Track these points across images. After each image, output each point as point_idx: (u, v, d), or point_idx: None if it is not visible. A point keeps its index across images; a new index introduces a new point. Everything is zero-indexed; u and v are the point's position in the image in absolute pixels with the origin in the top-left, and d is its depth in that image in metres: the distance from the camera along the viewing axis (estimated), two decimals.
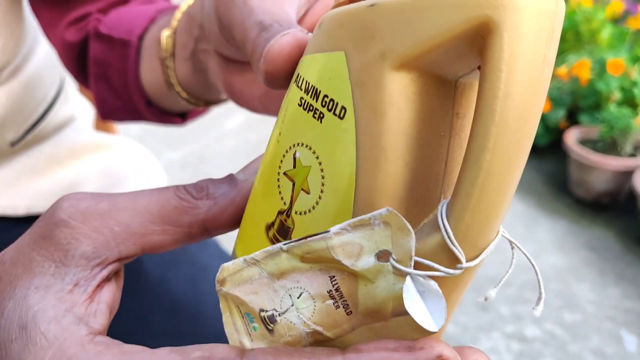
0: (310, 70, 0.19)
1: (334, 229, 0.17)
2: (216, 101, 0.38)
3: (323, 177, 0.19)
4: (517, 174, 0.17)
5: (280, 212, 0.20)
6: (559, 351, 1.10)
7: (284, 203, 0.20)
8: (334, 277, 0.18)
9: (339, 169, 0.18)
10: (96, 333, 0.20)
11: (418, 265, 0.17)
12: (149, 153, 0.55)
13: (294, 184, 0.19)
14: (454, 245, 0.17)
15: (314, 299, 0.18)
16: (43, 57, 0.49)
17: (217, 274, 0.20)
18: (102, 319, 0.21)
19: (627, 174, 1.40)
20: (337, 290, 0.18)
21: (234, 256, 0.23)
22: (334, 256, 0.17)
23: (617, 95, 1.53)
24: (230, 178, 0.22)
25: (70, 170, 0.49)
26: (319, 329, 0.18)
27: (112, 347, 0.19)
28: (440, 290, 0.18)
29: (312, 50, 0.19)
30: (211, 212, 0.21)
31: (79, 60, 0.43)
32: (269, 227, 0.21)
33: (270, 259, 0.19)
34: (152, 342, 0.43)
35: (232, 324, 0.21)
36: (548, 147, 1.68)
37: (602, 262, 1.32)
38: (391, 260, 0.17)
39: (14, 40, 0.43)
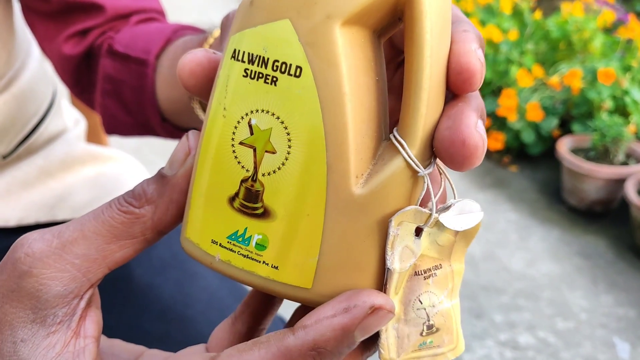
0: (251, 42, 0.21)
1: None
2: None
3: (289, 134, 0.20)
4: (445, 82, 0.21)
5: (243, 180, 0.21)
6: (552, 358, 1.11)
7: (247, 170, 0.21)
8: None
9: (304, 121, 0.20)
10: None
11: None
12: (140, 164, 0.56)
13: (254, 149, 0.21)
14: (412, 160, 0.20)
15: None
16: (36, 70, 0.50)
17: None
18: (91, 356, 0.21)
19: (620, 182, 1.42)
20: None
21: (186, 243, 0.23)
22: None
23: (608, 103, 1.55)
24: (160, 176, 0.23)
25: (61, 182, 0.50)
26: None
27: None
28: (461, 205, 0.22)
29: (246, 26, 0.21)
30: (156, 216, 0.22)
31: (77, 73, 0.44)
32: (232, 198, 0.21)
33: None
34: None
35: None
36: (541, 156, 1.69)
37: (595, 270, 1.32)
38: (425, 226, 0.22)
39: (5, 53, 0.44)
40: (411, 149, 0.20)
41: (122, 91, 0.41)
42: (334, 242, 0.20)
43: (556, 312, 1.21)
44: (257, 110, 0.21)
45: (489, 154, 1.75)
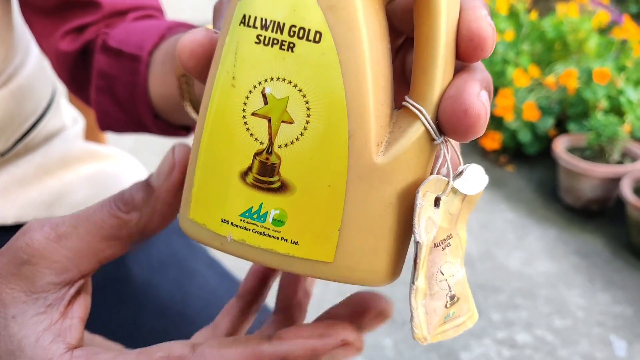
0: (264, 7, 0.20)
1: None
2: None
3: (307, 102, 0.19)
4: (455, 50, 0.21)
5: (257, 153, 0.20)
6: (549, 357, 1.11)
7: (260, 143, 0.20)
8: None
9: (325, 88, 0.19)
10: (73, 347, 0.23)
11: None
12: (138, 162, 0.56)
13: (269, 120, 0.20)
14: (432, 126, 0.20)
15: None
16: (35, 67, 0.50)
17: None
18: (76, 333, 0.23)
19: (615, 181, 1.42)
20: None
21: (188, 225, 0.22)
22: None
23: (604, 103, 1.55)
24: (147, 185, 0.24)
25: (59, 180, 0.50)
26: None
27: (90, 358, 0.22)
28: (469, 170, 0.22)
29: None
30: (141, 222, 0.23)
31: (73, 70, 0.43)
32: (244, 173, 0.20)
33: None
34: (140, 346, 0.44)
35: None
36: (537, 155, 1.70)
37: (592, 268, 1.33)
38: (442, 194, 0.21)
39: (4, 50, 0.44)
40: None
41: (115, 87, 0.40)
42: (356, 212, 0.20)
43: (553, 310, 1.22)
44: (271, 79, 0.19)
45: (486, 153, 1.76)
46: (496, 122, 1.69)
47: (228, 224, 0.21)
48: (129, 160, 0.56)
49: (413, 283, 0.21)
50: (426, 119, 0.20)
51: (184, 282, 0.47)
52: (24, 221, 0.48)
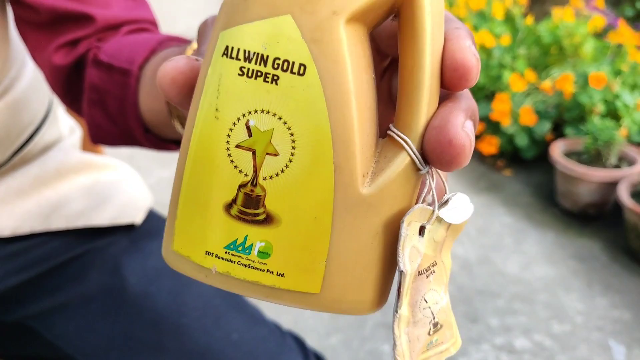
0: (247, 39, 0.20)
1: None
2: None
3: (292, 135, 0.19)
4: (439, 80, 0.21)
5: (242, 185, 0.20)
6: None
7: (245, 175, 0.20)
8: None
9: (310, 121, 0.19)
10: None
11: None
12: (135, 172, 0.56)
13: (254, 152, 0.20)
14: (417, 157, 0.20)
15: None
16: (31, 80, 0.50)
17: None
18: None
19: (612, 185, 1.43)
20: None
21: (172, 257, 0.22)
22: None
23: (600, 107, 1.56)
24: None
25: (55, 191, 0.50)
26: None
27: None
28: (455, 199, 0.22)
29: (240, 21, 0.20)
30: None
31: (67, 84, 0.43)
32: (229, 205, 0.20)
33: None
34: (136, 356, 0.44)
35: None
36: (534, 160, 1.70)
37: (590, 273, 1.33)
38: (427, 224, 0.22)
39: (0, 63, 0.44)
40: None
41: (106, 101, 0.41)
42: (343, 244, 0.20)
43: (552, 315, 1.22)
44: (255, 111, 0.19)
45: (483, 158, 1.76)
46: (493, 126, 1.70)
47: (212, 256, 0.21)
48: (126, 170, 0.56)
49: (396, 312, 0.21)
50: (412, 149, 0.20)
51: (180, 292, 0.47)
52: (21, 233, 0.48)
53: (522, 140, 1.65)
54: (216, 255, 0.20)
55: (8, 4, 0.44)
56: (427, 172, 0.21)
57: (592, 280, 1.30)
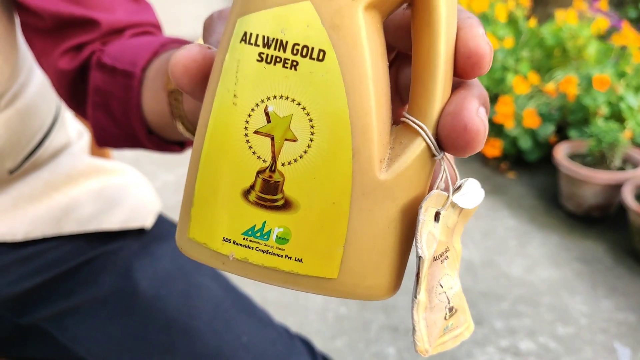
0: (266, 25, 0.20)
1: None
2: None
3: (311, 120, 0.19)
4: (452, 67, 0.21)
5: (260, 171, 0.20)
6: None
7: (263, 161, 0.20)
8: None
9: (329, 106, 0.19)
10: None
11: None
12: (142, 177, 0.57)
13: (272, 138, 0.20)
14: (432, 142, 0.21)
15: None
16: (39, 85, 0.50)
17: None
18: None
19: (617, 187, 1.43)
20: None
21: (187, 244, 0.22)
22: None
23: (604, 110, 1.56)
24: None
25: (65, 195, 0.51)
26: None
27: None
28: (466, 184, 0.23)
29: (258, 8, 0.20)
30: None
31: (72, 88, 0.44)
32: (247, 191, 0.20)
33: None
34: (147, 359, 0.44)
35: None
36: (538, 162, 1.70)
37: (594, 275, 1.33)
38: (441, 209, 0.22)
39: (9, 69, 0.45)
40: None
41: (110, 103, 0.41)
42: (360, 229, 0.20)
43: (556, 317, 1.22)
44: (274, 97, 0.20)
45: (487, 160, 1.76)
46: (497, 129, 1.70)
47: (230, 242, 0.21)
48: (134, 174, 0.56)
49: (415, 297, 0.21)
50: (427, 135, 0.20)
51: (190, 296, 0.48)
52: (33, 237, 0.49)
53: (525, 143, 1.65)
54: (234, 242, 0.21)
55: (15, 12, 0.45)
56: (442, 157, 0.21)
57: (596, 283, 1.30)
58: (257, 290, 1.25)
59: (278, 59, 0.19)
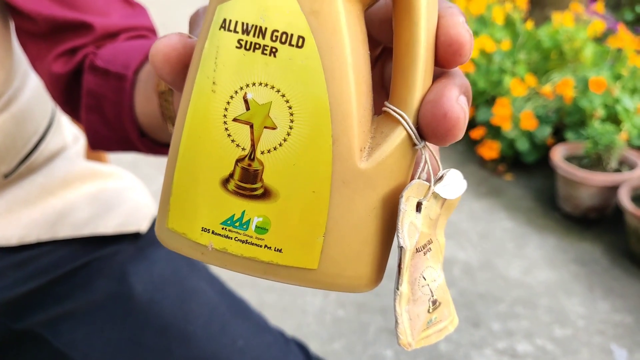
0: (245, 11, 0.19)
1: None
2: None
3: (290, 108, 0.19)
4: (434, 56, 0.21)
5: (239, 160, 0.20)
6: None
7: (242, 149, 0.20)
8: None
9: (308, 93, 0.19)
10: None
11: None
12: (138, 181, 0.57)
13: (251, 126, 0.19)
14: (413, 132, 0.20)
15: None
16: (34, 90, 0.51)
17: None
18: None
19: (613, 189, 1.43)
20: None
21: (166, 234, 0.21)
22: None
23: (600, 112, 1.56)
24: None
25: (61, 199, 0.51)
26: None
27: None
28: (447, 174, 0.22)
29: None
30: None
31: (66, 92, 0.44)
32: (226, 180, 0.20)
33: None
34: None
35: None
36: (535, 164, 1.71)
37: (591, 277, 1.33)
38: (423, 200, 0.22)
39: (4, 73, 0.45)
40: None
41: (103, 106, 0.41)
42: (340, 218, 0.20)
43: (554, 319, 1.22)
44: (253, 84, 0.19)
45: (484, 162, 1.76)
46: (494, 131, 1.70)
47: (209, 232, 0.20)
48: (130, 178, 0.56)
49: (397, 289, 0.21)
50: (408, 124, 0.20)
51: (186, 300, 0.48)
52: (28, 241, 0.49)
53: (522, 145, 1.65)
54: (212, 232, 0.20)
55: (10, 17, 0.45)
56: (423, 147, 0.21)
57: (593, 284, 1.31)
58: (254, 293, 1.25)
59: (257, 46, 0.19)
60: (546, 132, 1.64)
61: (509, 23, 2.04)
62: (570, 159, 1.55)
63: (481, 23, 2.05)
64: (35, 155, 0.51)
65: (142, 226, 0.51)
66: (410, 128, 0.20)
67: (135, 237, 0.51)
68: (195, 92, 0.20)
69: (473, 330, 1.19)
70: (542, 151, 1.67)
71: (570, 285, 1.31)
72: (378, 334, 1.18)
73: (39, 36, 0.43)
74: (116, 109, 0.40)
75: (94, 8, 0.43)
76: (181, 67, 0.22)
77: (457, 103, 0.20)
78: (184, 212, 0.21)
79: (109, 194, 0.53)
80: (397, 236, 0.20)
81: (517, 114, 1.66)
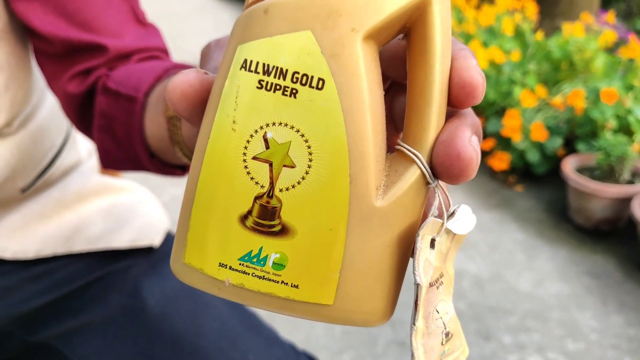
0: (266, 53, 0.20)
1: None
2: None
3: (309, 147, 0.20)
4: (447, 97, 0.21)
5: (258, 197, 0.20)
6: None
7: (261, 186, 0.20)
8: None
9: (327, 134, 0.20)
10: None
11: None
12: (151, 195, 0.58)
13: (270, 164, 0.20)
14: (427, 170, 0.21)
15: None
16: (51, 106, 0.52)
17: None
18: None
19: (626, 201, 1.42)
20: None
21: (183, 269, 0.22)
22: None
23: (612, 123, 1.56)
24: None
25: (76, 214, 0.52)
26: None
27: None
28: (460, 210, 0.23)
29: (259, 36, 0.20)
30: None
31: (80, 111, 0.45)
32: (244, 217, 0.20)
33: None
34: None
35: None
36: (546, 175, 1.70)
37: (604, 290, 1.32)
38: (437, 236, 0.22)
39: (22, 93, 0.46)
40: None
41: (114, 127, 0.42)
42: (356, 255, 0.20)
43: (566, 333, 1.21)
44: (273, 123, 0.20)
45: (494, 174, 1.76)
46: (504, 142, 1.70)
47: (226, 268, 0.21)
48: (143, 192, 0.57)
49: (414, 324, 0.21)
50: (422, 163, 0.21)
51: (198, 314, 0.48)
52: (44, 255, 0.49)
53: (533, 156, 1.65)
54: (230, 267, 0.21)
55: (28, 39, 0.46)
56: (436, 185, 0.21)
57: (606, 298, 1.29)
58: None
59: (278, 87, 0.20)
60: (557, 143, 1.64)
61: (519, 34, 2.04)
62: (581, 170, 1.54)
63: (490, 34, 2.05)
64: (52, 170, 0.52)
65: (155, 240, 0.52)
66: (425, 167, 0.21)
67: (148, 251, 0.52)
68: (215, 129, 0.21)
69: (483, 343, 1.18)
70: (553, 162, 1.66)
71: (582, 299, 1.30)
72: (387, 346, 1.18)
73: (55, 57, 0.44)
74: (126, 130, 0.41)
75: (108, 29, 0.44)
76: (198, 104, 0.22)
77: (469, 144, 0.20)
78: (201, 247, 0.21)
79: (122, 208, 0.54)
80: (414, 274, 0.21)
81: (528, 125, 1.65)
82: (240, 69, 0.20)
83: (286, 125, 0.20)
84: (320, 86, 0.20)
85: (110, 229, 0.52)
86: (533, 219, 1.58)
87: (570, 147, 1.67)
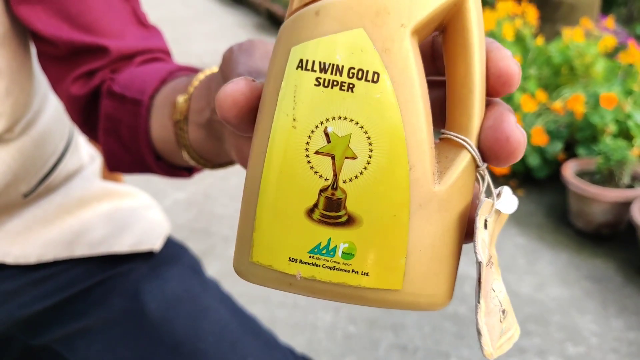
0: (322, 51, 0.21)
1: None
2: (225, 165, 0.40)
3: (369, 138, 0.21)
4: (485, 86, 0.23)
5: (323, 190, 0.21)
6: None
7: (325, 179, 0.21)
8: None
9: (385, 124, 0.21)
10: None
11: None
12: (152, 200, 0.58)
13: (333, 157, 0.21)
14: (477, 155, 0.22)
15: None
16: (53, 111, 0.52)
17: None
18: None
19: (626, 205, 1.42)
20: None
21: (250, 269, 0.22)
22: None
23: (612, 127, 1.56)
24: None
25: (78, 219, 0.52)
26: None
27: None
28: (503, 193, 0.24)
29: (312, 36, 0.22)
30: None
31: (84, 113, 0.45)
32: (310, 210, 0.21)
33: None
34: None
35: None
36: (547, 180, 1.70)
37: (604, 294, 1.32)
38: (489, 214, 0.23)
39: (24, 98, 0.47)
40: None
41: (120, 130, 0.42)
42: (419, 239, 0.21)
43: (566, 336, 1.21)
44: (333, 118, 0.21)
45: (495, 178, 1.76)
46: None
47: (297, 262, 0.21)
48: (144, 197, 0.58)
49: (478, 302, 0.22)
50: (472, 148, 0.22)
51: (197, 318, 0.49)
52: (45, 260, 0.50)
53: (534, 161, 1.65)
54: (300, 261, 0.21)
55: (31, 42, 0.47)
56: (485, 168, 0.23)
57: (607, 302, 1.29)
58: (266, 309, 1.26)
59: (335, 83, 0.21)
60: (557, 147, 1.64)
61: (519, 39, 2.05)
62: (582, 174, 1.54)
63: (491, 38, 2.05)
64: (54, 175, 0.52)
65: (156, 245, 0.52)
66: (475, 152, 0.22)
67: (148, 255, 0.52)
68: (275, 129, 0.22)
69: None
70: (553, 167, 1.66)
71: (583, 303, 1.30)
72: (389, 351, 1.18)
73: (58, 59, 0.45)
74: (132, 133, 0.41)
75: (110, 31, 0.44)
76: (247, 111, 0.23)
77: (517, 127, 0.22)
78: (269, 244, 0.22)
79: (123, 213, 0.54)
80: (475, 252, 0.22)
81: (528, 129, 1.66)
82: (297, 68, 0.22)
83: (345, 118, 0.21)
84: (375, 79, 0.21)
85: (112, 234, 0.52)
86: (533, 223, 1.58)
87: (570, 151, 1.67)
